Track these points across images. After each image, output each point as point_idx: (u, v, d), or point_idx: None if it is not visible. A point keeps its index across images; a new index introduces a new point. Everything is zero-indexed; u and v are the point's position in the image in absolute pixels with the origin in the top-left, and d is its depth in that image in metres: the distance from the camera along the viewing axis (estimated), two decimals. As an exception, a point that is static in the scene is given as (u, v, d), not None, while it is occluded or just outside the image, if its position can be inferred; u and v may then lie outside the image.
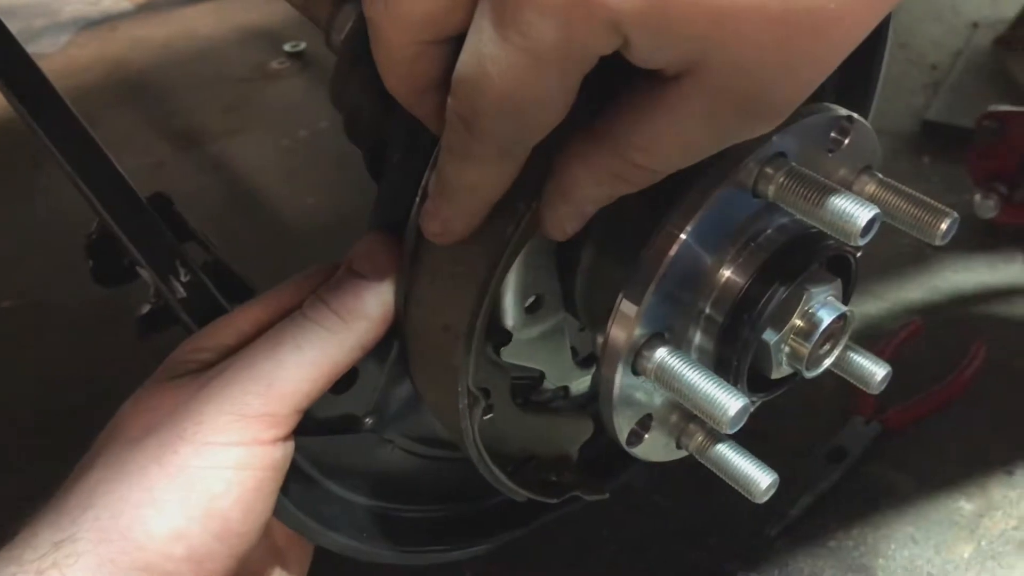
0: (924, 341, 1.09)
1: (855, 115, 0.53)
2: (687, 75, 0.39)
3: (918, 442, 0.97)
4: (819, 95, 0.73)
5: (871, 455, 0.96)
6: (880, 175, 0.56)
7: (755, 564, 0.87)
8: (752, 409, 0.64)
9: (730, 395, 0.48)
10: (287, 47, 1.83)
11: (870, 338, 1.09)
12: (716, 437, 0.57)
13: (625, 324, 0.50)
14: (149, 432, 0.50)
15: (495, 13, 0.38)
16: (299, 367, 0.52)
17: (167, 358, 0.55)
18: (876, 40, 0.70)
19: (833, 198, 0.47)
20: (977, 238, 1.23)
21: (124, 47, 1.93)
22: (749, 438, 0.98)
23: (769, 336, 0.52)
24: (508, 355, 0.56)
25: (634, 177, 0.44)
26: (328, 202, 1.40)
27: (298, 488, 0.57)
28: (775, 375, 0.54)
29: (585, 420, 0.62)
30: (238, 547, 0.51)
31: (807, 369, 0.54)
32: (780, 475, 0.93)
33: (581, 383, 0.63)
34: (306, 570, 0.62)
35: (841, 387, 1.03)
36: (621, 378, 0.51)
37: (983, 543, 0.87)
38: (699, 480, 0.93)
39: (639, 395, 0.53)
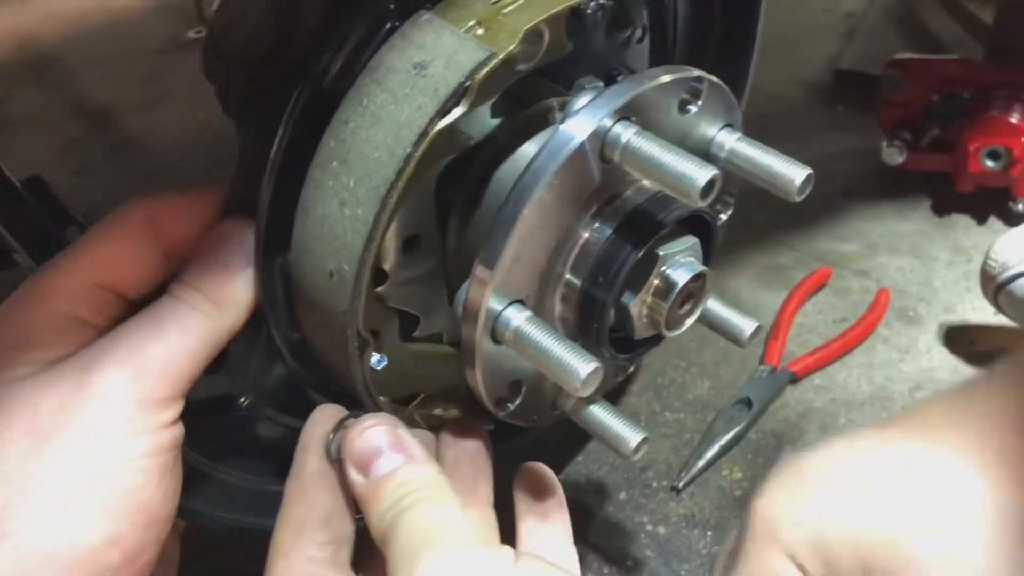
0: (831, 288, 1.11)
1: (706, 75, 0.54)
2: None
3: (823, 388, 0.99)
4: (698, 61, 0.73)
5: (778, 403, 0.98)
6: (739, 133, 0.57)
7: (664, 517, 0.89)
8: (629, 370, 0.65)
9: (581, 360, 0.48)
10: (203, 16, 1.79)
11: (780, 287, 1.10)
12: (587, 398, 0.58)
13: (481, 291, 0.50)
14: (43, 437, 0.48)
15: None
16: (187, 351, 0.52)
17: None
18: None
19: (673, 161, 0.47)
20: (886, 186, 1.24)
21: (36, 20, 1.88)
22: (661, 390, 1.01)
23: (628, 298, 0.53)
24: (383, 297, 0.56)
25: None
26: (244, 174, 1.38)
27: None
28: (638, 336, 0.55)
29: None
30: (164, 531, 0.52)
31: (667, 329, 0.54)
32: (690, 427, 0.96)
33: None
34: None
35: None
36: (482, 346, 0.51)
37: (882, 485, 0.89)
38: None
39: (506, 361, 0.54)
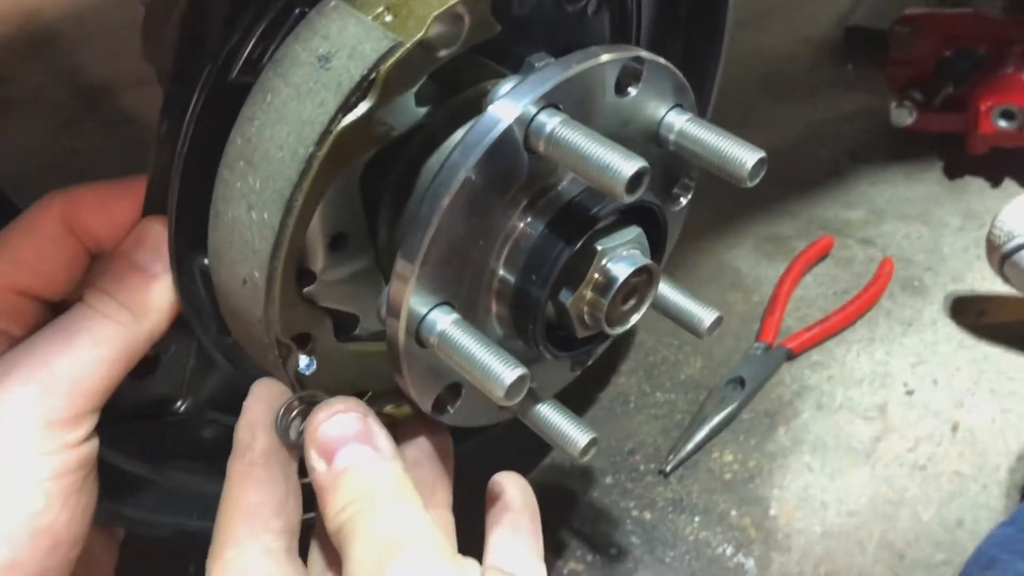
0: (833, 259, 1.06)
1: (646, 54, 0.50)
2: None
3: (821, 365, 0.96)
4: (667, 36, 0.69)
5: (773, 382, 0.94)
6: (689, 114, 0.53)
7: (651, 502, 0.86)
8: (587, 363, 0.62)
9: (507, 368, 0.46)
10: (202, -13, 1.76)
11: (781, 258, 1.06)
12: (535, 397, 0.55)
13: (402, 288, 0.47)
14: None
15: None
16: (99, 363, 0.49)
17: None
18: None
19: (598, 153, 0.44)
20: (895, 148, 1.19)
21: (39, -3, 1.87)
22: (652, 370, 0.97)
23: (564, 296, 0.50)
24: (314, 297, 0.53)
25: None
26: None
27: (116, 482, 0.56)
28: (581, 334, 0.52)
29: None
30: (71, 553, 0.49)
31: (609, 326, 0.51)
32: (681, 407, 0.93)
33: None
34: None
35: (749, 313, 1.01)
36: (407, 350, 0.49)
37: (878, 467, 0.86)
38: (593, 420, 0.93)
39: (439, 364, 0.51)
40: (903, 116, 1.14)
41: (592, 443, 0.53)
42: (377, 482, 0.48)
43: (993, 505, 0.82)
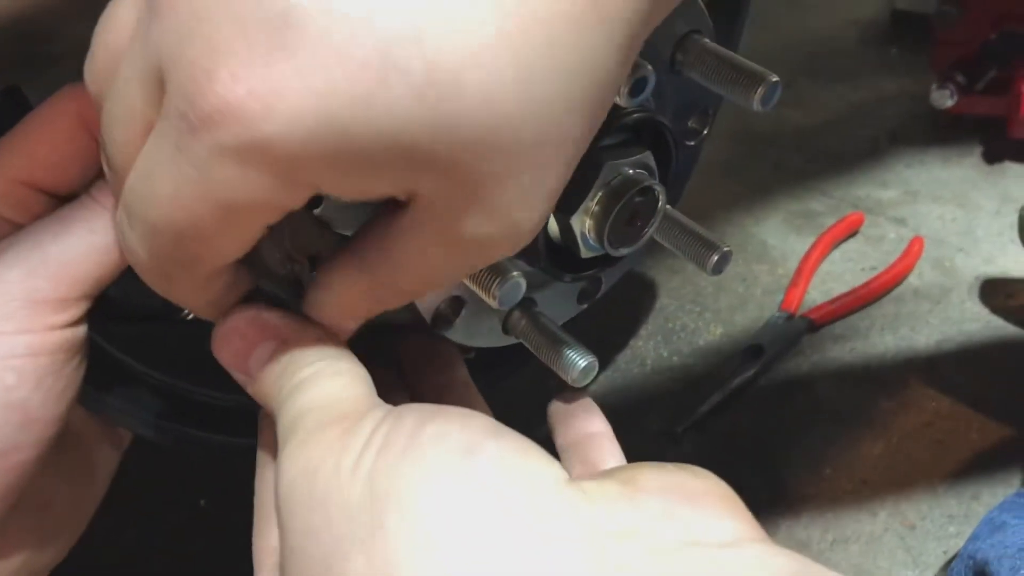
0: (864, 236, 1.05)
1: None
2: (412, 203, 0.37)
3: (843, 338, 0.94)
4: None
5: (794, 352, 0.93)
6: (706, 40, 0.53)
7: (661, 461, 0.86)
8: (595, 296, 0.62)
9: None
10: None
11: (809, 233, 1.05)
12: (536, 321, 0.55)
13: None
14: None
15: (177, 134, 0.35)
16: (91, 251, 0.49)
17: None
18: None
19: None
20: (936, 131, 1.17)
21: (95, -41, 1.90)
22: (671, 335, 0.97)
23: (568, 210, 0.50)
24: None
25: (386, 299, 0.43)
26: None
27: (120, 380, 0.56)
28: (584, 254, 0.52)
29: None
30: (45, 432, 0.49)
31: (611, 247, 0.51)
32: (698, 373, 0.92)
33: None
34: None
35: (774, 284, 1.00)
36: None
37: (894, 440, 0.84)
38: (608, 380, 0.92)
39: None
40: (944, 98, 1.12)
41: (591, 366, 0.53)
42: (293, 368, 0.45)
43: (1012, 482, 0.80)
